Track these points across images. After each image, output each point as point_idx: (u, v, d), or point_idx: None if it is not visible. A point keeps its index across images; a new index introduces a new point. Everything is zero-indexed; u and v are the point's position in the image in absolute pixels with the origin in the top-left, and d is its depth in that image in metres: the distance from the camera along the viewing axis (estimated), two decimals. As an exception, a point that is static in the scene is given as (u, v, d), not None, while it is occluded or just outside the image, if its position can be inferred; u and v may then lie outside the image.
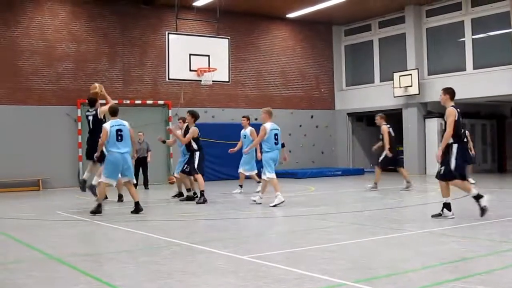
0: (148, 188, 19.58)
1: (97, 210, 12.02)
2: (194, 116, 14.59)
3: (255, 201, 13.69)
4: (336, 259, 7.06)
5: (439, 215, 10.35)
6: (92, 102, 13.98)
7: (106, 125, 12.33)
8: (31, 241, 8.87)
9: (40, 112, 20.82)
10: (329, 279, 5.94)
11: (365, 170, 27.15)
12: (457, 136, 10.29)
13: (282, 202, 13.02)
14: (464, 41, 23.61)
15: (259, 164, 14.81)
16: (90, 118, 13.79)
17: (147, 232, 9.70)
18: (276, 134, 13.50)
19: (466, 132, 18.73)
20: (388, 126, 17.16)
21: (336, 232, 9.40)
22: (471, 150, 18.67)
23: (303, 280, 5.96)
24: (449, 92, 10.75)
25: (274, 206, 12.92)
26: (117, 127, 12.20)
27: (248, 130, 16.47)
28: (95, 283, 6.11)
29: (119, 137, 12.11)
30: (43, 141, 20.53)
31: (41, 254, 7.94)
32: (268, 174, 13.37)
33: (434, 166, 24.48)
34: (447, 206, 10.33)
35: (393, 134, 17.29)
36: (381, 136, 16.98)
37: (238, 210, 13.09)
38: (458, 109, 10.40)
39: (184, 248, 8.16)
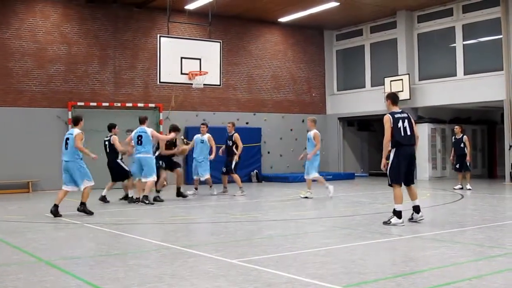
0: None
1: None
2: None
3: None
4: (326, 264, 7.06)
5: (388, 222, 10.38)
6: (109, 128, 16.11)
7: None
8: (20, 244, 8.83)
9: (30, 114, 20.73)
10: (319, 283, 5.94)
11: (356, 174, 27.19)
12: (395, 142, 10.38)
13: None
14: (455, 47, 23.71)
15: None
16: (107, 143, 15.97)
17: (137, 235, 9.68)
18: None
19: (464, 137, 18.91)
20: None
21: (327, 237, 9.41)
22: (466, 158, 18.78)
23: (293, 284, 5.95)
24: (391, 97, 10.87)
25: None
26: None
27: (206, 136, 17.86)
28: (85, 286, 6.08)
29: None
30: (33, 143, 20.45)
31: (30, 257, 7.90)
32: (312, 175, 16.45)
33: (423, 171, 24.66)
34: (397, 213, 10.32)
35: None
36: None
37: (229, 213, 13.08)
38: (396, 115, 10.47)
39: (174, 251, 8.14)
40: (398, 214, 10.30)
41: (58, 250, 8.49)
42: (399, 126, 10.34)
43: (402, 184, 10.54)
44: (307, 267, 6.82)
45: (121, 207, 14.51)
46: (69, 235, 10.12)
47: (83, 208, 12.82)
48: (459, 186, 18.91)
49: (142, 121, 15.35)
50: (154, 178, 14.97)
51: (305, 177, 16.57)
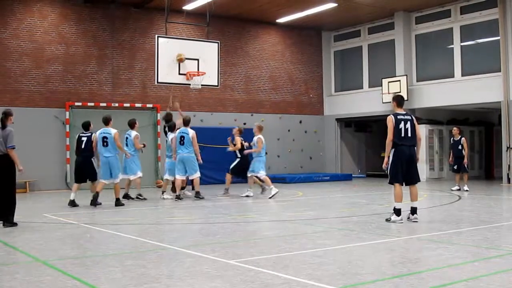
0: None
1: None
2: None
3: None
4: (323, 264, 7.06)
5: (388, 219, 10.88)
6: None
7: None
8: (17, 244, 8.81)
9: (28, 114, 20.67)
10: (316, 284, 5.94)
11: (353, 175, 27.20)
12: (394, 142, 10.79)
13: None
14: (452, 48, 23.73)
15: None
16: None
17: (134, 235, 9.67)
18: None
19: (462, 139, 18.88)
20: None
21: (324, 237, 9.41)
22: (464, 159, 18.77)
23: (290, 285, 5.95)
24: (396, 99, 11.29)
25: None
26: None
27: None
28: (81, 286, 6.07)
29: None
30: (31, 143, 20.38)
31: (27, 257, 7.89)
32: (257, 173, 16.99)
33: (421, 172, 24.58)
34: (396, 211, 10.76)
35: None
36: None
37: (226, 214, 13.08)
38: (399, 116, 10.89)
39: (171, 252, 8.14)
40: (397, 212, 10.72)
41: (55, 250, 8.48)
42: (400, 127, 10.75)
43: (403, 184, 11.00)
44: (304, 268, 6.82)
45: (121, 207, 14.49)
46: (66, 235, 10.11)
47: (118, 203, 14.61)
48: (457, 187, 18.96)
49: (186, 123, 16.37)
50: (198, 174, 16.30)
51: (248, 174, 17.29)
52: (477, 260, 7.23)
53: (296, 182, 23.84)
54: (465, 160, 18.87)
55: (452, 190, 18.74)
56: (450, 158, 19.64)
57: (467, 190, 18.37)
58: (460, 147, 18.87)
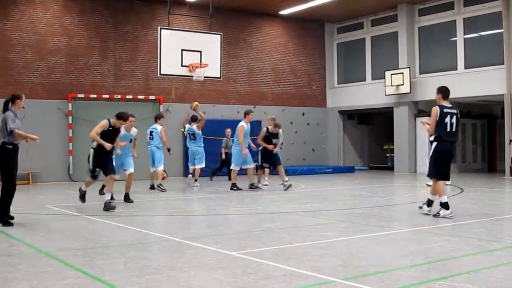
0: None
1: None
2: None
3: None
4: (325, 256, 7.07)
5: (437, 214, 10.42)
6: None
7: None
8: (20, 235, 8.84)
9: (30, 106, 20.52)
10: (318, 276, 5.95)
11: (356, 168, 27.21)
12: (437, 136, 10.40)
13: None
14: (456, 41, 23.67)
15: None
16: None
17: (137, 227, 9.69)
18: None
19: None
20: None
21: (326, 230, 9.42)
22: None
23: (292, 276, 5.96)
24: (442, 91, 10.89)
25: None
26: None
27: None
28: (84, 277, 6.09)
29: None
30: (33, 135, 20.37)
31: (29, 248, 7.92)
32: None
33: (424, 165, 24.63)
34: (444, 205, 10.35)
35: None
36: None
37: (229, 206, 13.10)
38: (445, 109, 10.47)
39: (173, 243, 8.16)
40: (445, 205, 10.31)
41: (57, 241, 8.50)
42: (445, 121, 10.32)
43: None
44: (306, 260, 6.83)
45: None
46: (68, 226, 10.13)
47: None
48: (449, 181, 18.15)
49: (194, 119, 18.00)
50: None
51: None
52: (478, 253, 7.24)
53: (299, 175, 23.83)
54: None
55: (446, 184, 17.93)
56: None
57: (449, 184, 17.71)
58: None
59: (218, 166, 21.16)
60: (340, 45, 28.72)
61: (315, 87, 28.18)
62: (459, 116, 10.55)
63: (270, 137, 17.30)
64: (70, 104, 21.41)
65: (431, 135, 10.64)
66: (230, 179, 18.03)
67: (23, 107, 10.45)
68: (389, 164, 27.36)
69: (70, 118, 21.41)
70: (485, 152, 27.39)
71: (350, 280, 5.76)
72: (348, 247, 7.81)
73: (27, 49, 20.99)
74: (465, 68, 23.19)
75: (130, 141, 13.91)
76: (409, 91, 24.39)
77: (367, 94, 26.55)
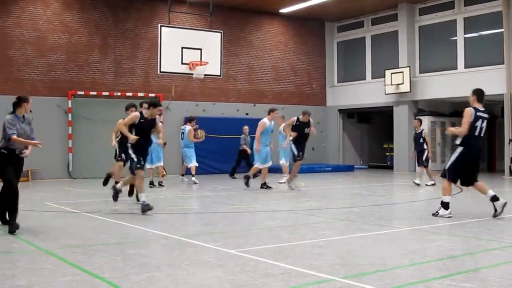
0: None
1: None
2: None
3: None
4: (324, 255, 7.07)
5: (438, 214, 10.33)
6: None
7: None
8: (19, 232, 8.83)
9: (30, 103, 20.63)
10: (317, 274, 5.96)
11: (355, 166, 27.21)
12: (465, 140, 10.15)
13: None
14: (456, 40, 23.66)
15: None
16: None
17: (136, 224, 9.69)
18: None
19: (424, 131, 17.82)
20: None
21: (325, 228, 9.42)
22: (426, 153, 17.70)
23: (290, 274, 5.97)
24: (477, 93, 10.53)
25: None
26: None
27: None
28: (83, 274, 6.10)
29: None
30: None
31: (29, 245, 7.92)
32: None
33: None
34: (444, 204, 10.27)
35: None
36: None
37: (228, 204, 13.10)
38: (479, 113, 10.19)
39: (172, 241, 8.16)
40: (445, 205, 10.24)
41: (57, 238, 8.50)
42: (476, 125, 10.11)
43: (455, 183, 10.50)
44: (304, 258, 6.84)
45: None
46: (68, 224, 10.14)
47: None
48: (431, 182, 17.50)
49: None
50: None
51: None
52: (477, 252, 7.25)
53: (299, 173, 23.76)
54: (429, 154, 17.82)
55: (427, 184, 17.45)
56: (412, 153, 18.92)
57: (418, 184, 17.42)
58: (421, 140, 17.91)
59: (235, 164, 21.44)
60: (340, 44, 28.71)
61: (315, 86, 28.18)
62: (486, 121, 10.37)
63: (301, 126, 16.35)
64: (70, 101, 21.40)
65: (457, 139, 10.35)
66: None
67: (30, 111, 9.88)
68: (388, 163, 27.36)
69: (70, 115, 21.40)
70: (485, 151, 27.36)
71: (349, 279, 5.77)
72: (347, 245, 7.82)
73: (27, 46, 20.97)
74: (465, 67, 23.19)
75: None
76: (409, 90, 24.39)
77: (367, 93, 26.54)
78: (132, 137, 11.04)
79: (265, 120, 16.66)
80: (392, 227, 9.49)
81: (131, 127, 11.25)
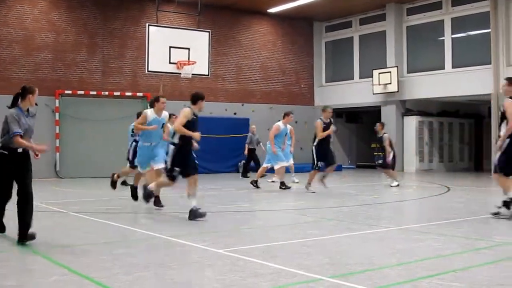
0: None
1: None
2: None
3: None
4: (312, 254, 7.08)
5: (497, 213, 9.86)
6: None
7: None
8: (7, 232, 8.77)
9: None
10: (305, 273, 5.96)
11: (344, 166, 27.24)
12: None
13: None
14: (443, 40, 23.77)
15: None
16: None
17: (125, 224, 9.66)
18: None
19: (385, 135, 17.46)
20: None
21: (314, 228, 9.42)
22: (387, 155, 17.63)
23: (279, 274, 5.97)
24: None
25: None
26: None
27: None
28: (70, 275, 6.07)
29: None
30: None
31: (16, 245, 7.86)
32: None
33: (410, 164, 24.75)
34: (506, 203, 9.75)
35: None
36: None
37: (217, 204, 13.08)
38: None
39: (161, 241, 8.14)
40: (508, 204, 9.70)
41: (45, 238, 8.44)
42: None
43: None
44: (293, 258, 6.84)
45: (112, 196, 14.47)
46: (56, 224, 10.09)
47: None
48: (396, 183, 17.41)
49: None
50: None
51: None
52: (466, 251, 7.27)
53: (287, 173, 23.76)
54: (388, 158, 17.55)
55: (391, 186, 17.43)
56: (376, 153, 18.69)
57: (396, 185, 17.31)
58: (384, 144, 17.75)
59: (245, 163, 21.95)
60: (329, 44, 28.76)
61: (303, 85, 28.21)
62: None
63: (328, 127, 15.88)
64: (57, 101, 21.32)
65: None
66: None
67: (36, 104, 8.46)
68: (376, 162, 27.35)
69: (57, 114, 21.31)
70: (472, 151, 27.53)
71: (337, 278, 5.77)
72: (336, 245, 7.83)
73: (14, 45, 20.87)
74: (453, 67, 23.30)
75: (162, 126, 12.55)
76: (396, 90, 24.46)
77: (355, 93, 26.61)
78: (197, 134, 10.33)
79: (280, 123, 16.79)
80: (380, 226, 9.51)
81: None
